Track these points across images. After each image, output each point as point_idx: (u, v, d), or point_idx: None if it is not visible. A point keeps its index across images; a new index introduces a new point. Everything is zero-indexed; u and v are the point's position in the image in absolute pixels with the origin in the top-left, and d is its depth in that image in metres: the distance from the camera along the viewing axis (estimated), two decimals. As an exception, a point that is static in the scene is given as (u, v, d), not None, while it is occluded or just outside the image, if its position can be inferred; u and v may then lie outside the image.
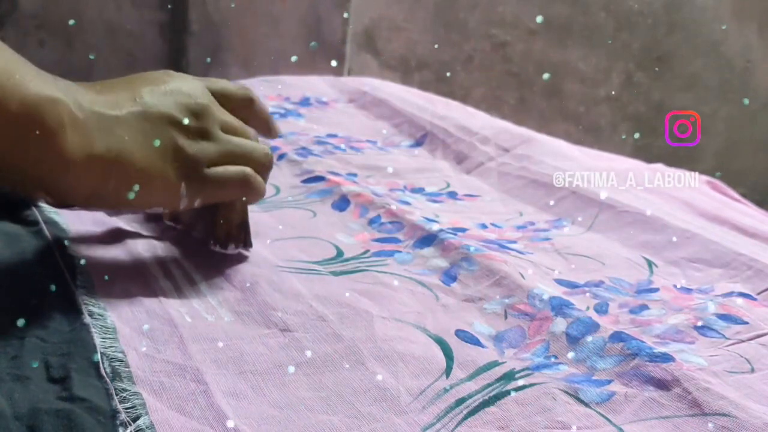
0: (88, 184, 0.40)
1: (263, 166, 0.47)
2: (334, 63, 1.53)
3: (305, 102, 0.91)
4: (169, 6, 1.49)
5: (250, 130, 0.49)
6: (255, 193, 0.47)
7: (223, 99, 0.47)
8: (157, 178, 0.42)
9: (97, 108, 0.40)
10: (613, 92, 1.82)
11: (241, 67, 1.52)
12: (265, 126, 0.52)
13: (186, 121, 0.43)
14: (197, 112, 0.44)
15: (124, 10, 1.48)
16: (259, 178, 0.47)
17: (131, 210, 0.45)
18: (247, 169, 0.46)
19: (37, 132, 0.37)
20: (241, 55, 1.54)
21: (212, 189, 0.44)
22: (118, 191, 0.41)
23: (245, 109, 0.49)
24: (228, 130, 0.46)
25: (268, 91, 0.94)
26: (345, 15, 1.59)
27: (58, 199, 0.42)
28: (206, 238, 0.47)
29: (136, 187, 0.41)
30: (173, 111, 0.43)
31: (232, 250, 0.46)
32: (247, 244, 0.47)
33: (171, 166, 0.42)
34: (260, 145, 0.48)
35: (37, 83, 0.37)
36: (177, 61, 1.51)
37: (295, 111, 0.87)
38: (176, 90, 0.44)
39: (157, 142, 0.42)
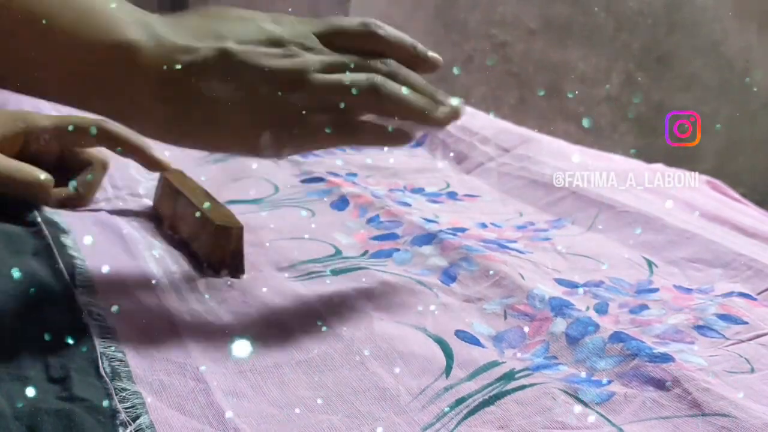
0: (166, 115, 0.39)
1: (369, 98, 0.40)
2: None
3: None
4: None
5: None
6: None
7: (342, 38, 0.41)
8: (239, 121, 0.39)
9: (178, 41, 0.38)
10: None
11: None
12: (408, 52, 0.42)
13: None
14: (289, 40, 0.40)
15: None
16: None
17: (213, 149, 0.43)
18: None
19: (121, 69, 0.37)
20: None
21: (301, 138, 0.40)
22: (196, 125, 0.39)
23: (372, 42, 0.42)
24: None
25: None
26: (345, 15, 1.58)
27: (142, 131, 0.41)
28: (200, 261, 0.47)
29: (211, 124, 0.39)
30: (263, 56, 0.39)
31: (224, 276, 0.46)
32: (239, 271, 0.46)
33: (258, 111, 0.39)
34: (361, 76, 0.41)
35: (119, 26, 0.37)
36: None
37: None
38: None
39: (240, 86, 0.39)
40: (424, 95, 0.42)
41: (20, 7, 0.37)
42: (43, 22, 0.37)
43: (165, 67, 0.38)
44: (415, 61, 0.43)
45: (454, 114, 0.43)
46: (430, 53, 0.43)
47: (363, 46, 0.42)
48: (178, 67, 0.38)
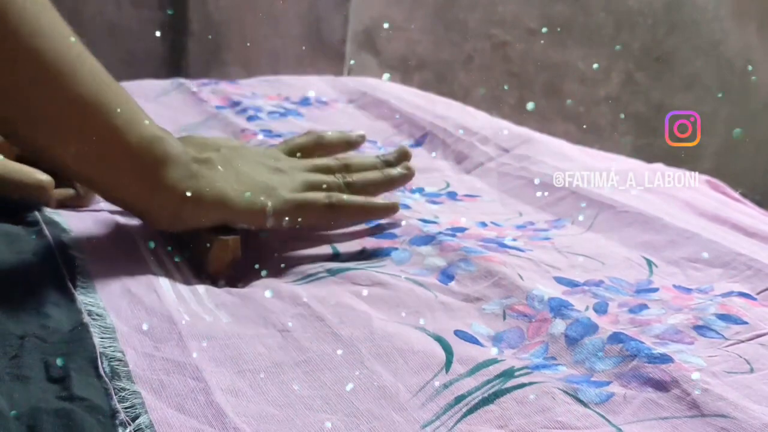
0: (180, 207, 0.46)
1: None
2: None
3: (305, 102, 0.91)
4: (169, 11, 1.48)
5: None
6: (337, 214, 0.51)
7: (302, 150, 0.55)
8: (244, 203, 0.47)
9: (190, 147, 0.48)
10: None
11: (241, 67, 1.52)
12: (345, 146, 0.58)
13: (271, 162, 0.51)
14: (276, 155, 0.53)
15: (124, 9, 1.48)
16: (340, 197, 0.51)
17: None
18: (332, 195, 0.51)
19: (149, 162, 0.45)
20: (241, 55, 1.54)
21: (295, 210, 0.49)
22: (205, 216, 0.47)
23: (322, 147, 0.56)
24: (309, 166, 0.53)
25: (268, 91, 0.94)
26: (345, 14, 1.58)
27: (150, 221, 0.48)
28: (198, 269, 0.47)
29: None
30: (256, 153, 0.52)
31: (221, 285, 0.46)
32: (237, 280, 0.47)
33: (257, 192, 0.48)
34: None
35: (149, 122, 0.46)
36: (177, 61, 1.51)
37: (295, 111, 0.87)
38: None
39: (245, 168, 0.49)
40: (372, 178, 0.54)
41: (79, 92, 0.43)
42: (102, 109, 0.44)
43: (188, 159, 0.47)
44: (351, 147, 0.58)
45: (404, 177, 0.56)
46: (355, 135, 0.58)
47: (316, 151, 0.56)
48: (199, 158, 0.47)
